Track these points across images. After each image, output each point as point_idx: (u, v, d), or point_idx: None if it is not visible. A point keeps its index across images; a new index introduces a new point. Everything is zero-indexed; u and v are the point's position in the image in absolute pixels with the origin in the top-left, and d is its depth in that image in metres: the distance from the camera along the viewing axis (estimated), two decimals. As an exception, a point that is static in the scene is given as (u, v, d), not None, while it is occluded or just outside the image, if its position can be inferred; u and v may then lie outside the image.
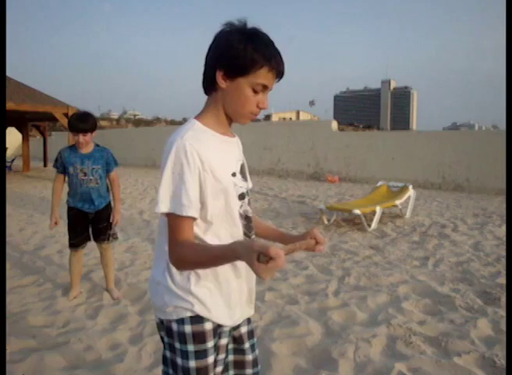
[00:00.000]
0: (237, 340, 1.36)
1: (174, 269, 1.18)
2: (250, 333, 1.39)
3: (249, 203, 1.29)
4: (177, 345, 1.20)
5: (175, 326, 1.19)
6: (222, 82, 1.15)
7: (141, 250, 4.96)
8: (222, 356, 1.29)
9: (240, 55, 1.11)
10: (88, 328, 2.94)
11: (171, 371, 1.25)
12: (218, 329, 1.25)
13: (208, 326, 1.20)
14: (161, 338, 1.28)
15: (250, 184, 1.33)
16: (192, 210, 1.10)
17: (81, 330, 2.89)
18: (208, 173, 1.13)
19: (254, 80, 1.13)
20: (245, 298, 1.32)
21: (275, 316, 3.10)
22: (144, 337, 2.79)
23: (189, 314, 1.18)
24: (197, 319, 1.19)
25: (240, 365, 1.36)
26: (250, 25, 1.16)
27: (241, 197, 1.25)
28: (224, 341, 1.29)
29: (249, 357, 1.36)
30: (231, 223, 1.22)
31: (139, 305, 3.34)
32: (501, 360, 2.43)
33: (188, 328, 1.18)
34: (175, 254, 1.11)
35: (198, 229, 1.17)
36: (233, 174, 1.22)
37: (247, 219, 1.28)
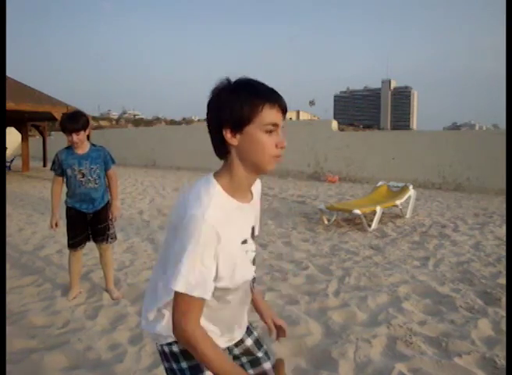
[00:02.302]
0: (247, 352, 1.38)
1: (165, 314, 1.23)
2: (257, 343, 1.41)
3: (254, 263, 1.28)
4: (174, 366, 1.25)
5: (166, 349, 1.25)
6: (232, 140, 1.11)
7: (141, 250, 4.95)
8: None
9: (238, 106, 1.08)
10: (88, 328, 2.93)
11: None
12: None
13: None
14: (166, 369, 1.31)
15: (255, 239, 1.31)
16: (207, 293, 1.08)
17: (81, 331, 2.89)
18: (223, 248, 1.09)
19: (261, 122, 1.09)
20: (236, 328, 1.33)
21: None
22: (144, 337, 2.78)
23: (171, 339, 1.23)
24: None
25: None
26: (241, 77, 1.14)
27: (253, 261, 1.25)
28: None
29: (268, 365, 1.39)
30: (242, 289, 1.25)
31: (139, 306, 3.33)
32: (502, 360, 2.42)
33: (176, 348, 1.23)
34: (183, 333, 1.09)
35: (212, 298, 1.15)
36: (244, 241, 1.17)
37: (253, 280, 1.34)
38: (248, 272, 1.21)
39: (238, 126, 1.09)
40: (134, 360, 2.50)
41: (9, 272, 4.07)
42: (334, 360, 2.47)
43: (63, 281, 3.81)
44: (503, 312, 3.09)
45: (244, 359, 1.37)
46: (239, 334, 1.35)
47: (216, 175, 1.17)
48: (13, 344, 2.64)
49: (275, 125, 1.12)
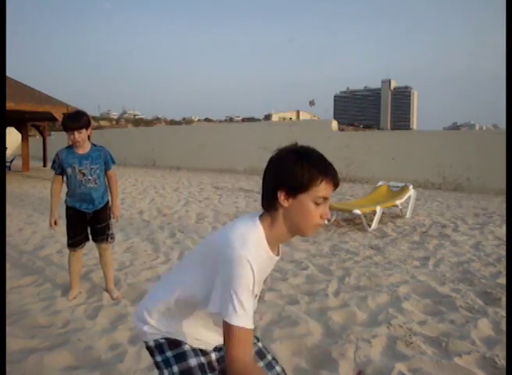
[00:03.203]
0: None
1: (154, 314, 1.33)
2: (260, 353, 1.43)
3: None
4: (158, 358, 1.31)
5: (152, 344, 1.34)
6: (284, 201, 1.21)
7: (141, 250, 4.95)
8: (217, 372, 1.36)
9: (299, 174, 1.18)
10: (88, 328, 2.93)
11: None
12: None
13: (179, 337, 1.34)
14: (154, 363, 1.37)
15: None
16: (252, 323, 1.17)
17: (81, 330, 2.89)
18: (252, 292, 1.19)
19: (315, 194, 1.19)
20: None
21: (275, 316, 3.09)
22: (144, 337, 2.78)
23: (159, 336, 1.34)
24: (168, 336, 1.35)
25: None
26: (307, 147, 1.24)
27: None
28: (213, 357, 1.37)
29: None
30: None
31: (139, 305, 3.33)
32: (502, 360, 2.42)
33: (163, 340, 1.33)
34: (244, 365, 1.13)
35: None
36: (256, 296, 1.26)
37: None
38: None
39: (293, 191, 1.20)
40: (134, 360, 2.50)
41: (9, 272, 4.07)
42: (334, 360, 2.47)
43: (63, 281, 3.81)
44: (503, 312, 3.09)
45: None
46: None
47: (262, 219, 1.25)
48: (13, 344, 2.64)
49: (326, 199, 1.23)
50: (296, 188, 1.19)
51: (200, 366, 1.28)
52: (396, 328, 2.87)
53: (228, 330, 1.12)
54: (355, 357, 2.52)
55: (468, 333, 2.79)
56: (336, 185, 1.24)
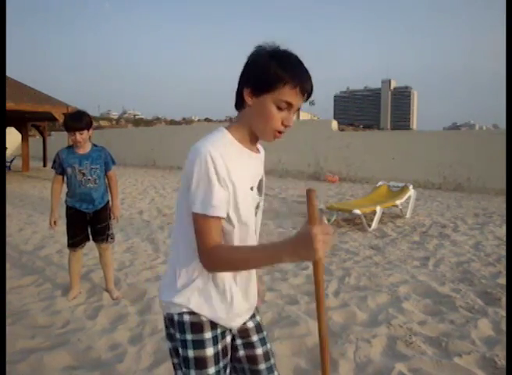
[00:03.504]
0: (242, 333, 1.37)
1: (181, 272, 1.26)
2: (258, 327, 1.40)
3: (257, 215, 1.35)
4: (178, 335, 1.27)
5: (176, 318, 1.27)
6: (248, 99, 1.19)
7: (141, 250, 4.95)
8: (229, 356, 1.33)
9: (265, 72, 1.15)
10: (88, 328, 2.93)
11: (176, 360, 1.33)
12: (216, 324, 1.28)
13: (205, 318, 1.27)
14: (168, 334, 1.34)
15: (262, 199, 1.36)
16: (221, 211, 1.15)
17: (81, 331, 2.89)
18: (230, 184, 1.16)
19: (279, 97, 1.15)
20: (246, 307, 1.34)
21: (275, 316, 3.09)
22: (144, 337, 2.78)
23: (185, 310, 1.25)
24: (195, 312, 1.26)
25: (252, 359, 1.36)
26: (284, 48, 1.19)
27: (256, 211, 1.31)
28: (228, 339, 1.33)
29: (259, 350, 1.37)
30: (245, 233, 1.26)
31: (139, 306, 3.33)
32: (502, 360, 2.42)
33: (187, 318, 1.25)
34: (208, 256, 1.15)
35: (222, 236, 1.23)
36: (251, 188, 1.25)
37: (255, 231, 1.35)
38: (251, 215, 1.26)
39: (257, 91, 1.17)
40: (134, 360, 2.50)
41: (9, 272, 4.07)
42: (334, 360, 2.47)
43: (63, 281, 3.81)
44: (503, 312, 3.09)
45: (239, 341, 1.37)
46: (248, 310, 1.36)
47: (227, 127, 1.25)
48: (13, 344, 2.64)
49: (290, 104, 1.17)
50: (260, 87, 1.16)
51: (216, 355, 1.26)
52: (396, 328, 2.87)
53: (194, 220, 1.15)
54: (355, 357, 2.52)
55: (468, 333, 2.79)
56: (304, 93, 1.17)
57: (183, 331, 1.25)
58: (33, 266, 4.36)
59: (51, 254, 4.78)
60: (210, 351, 1.25)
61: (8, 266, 4.24)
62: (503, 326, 2.87)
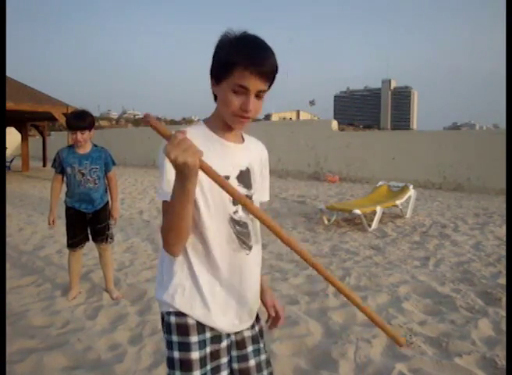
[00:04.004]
0: (239, 345, 1.33)
1: (166, 266, 1.27)
2: (255, 338, 1.36)
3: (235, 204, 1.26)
4: (165, 336, 1.28)
5: (165, 317, 1.28)
6: (213, 89, 1.21)
7: (141, 250, 4.94)
8: (224, 360, 1.29)
9: (219, 59, 1.15)
10: (87, 328, 2.93)
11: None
12: (205, 327, 1.25)
13: (191, 320, 1.24)
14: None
15: (253, 192, 1.30)
16: (168, 195, 1.15)
17: (80, 331, 2.88)
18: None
19: (232, 81, 1.12)
20: (234, 311, 1.29)
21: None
22: (144, 337, 2.78)
23: (171, 309, 1.25)
24: (181, 313, 1.25)
25: (244, 372, 1.32)
26: (244, 31, 1.16)
27: (235, 202, 1.23)
28: (224, 344, 1.29)
29: (252, 362, 1.33)
30: (220, 226, 1.23)
31: (138, 306, 3.33)
32: (502, 361, 2.41)
33: (173, 319, 1.25)
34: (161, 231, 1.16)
35: (192, 226, 1.19)
36: (226, 177, 1.18)
37: (243, 226, 1.27)
38: (224, 208, 1.22)
39: (217, 79, 1.17)
40: (134, 360, 2.50)
41: (9, 272, 4.06)
42: (334, 360, 2.47)
43: (63, 281, 3.81)
44: (504, 312, 3.09)
45: (234, 353, 1.33)
46: (242, 320, 1.31)
47: (205, 119, 1.28)
48: (13, 344, 2.64)
49: (245, 88, 1.13)
50: (217, 75, 1.16)
51: (202, 359, 1.24)
52: (397, 328, 2.87)
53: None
54: (355, 357, 2.51)
55: (468, 333, 2.79)
56: (259, 74, 1.11)
57: (170, 332, 1.25)
58: (32, 266, 4.36)
59: (50, 254, 4.78)
60: (195, 354, 1.23)
61: (8, 266, 4.24)
62: (504, 327, 2.86)
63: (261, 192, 1.38)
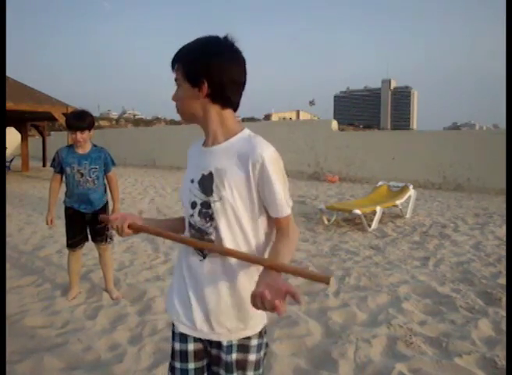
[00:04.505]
0: (227, 367, 1.24)
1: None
2: (229, 366, 1.24)
3: (209, 219, 1.21)
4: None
5: None
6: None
7: (141, 250, 4.94)
8: (191, 365, 1.30)
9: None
10: (87, 328, 2.93)
11: None
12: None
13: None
14: None
15: (218, 198, 1.19)
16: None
17: (80, 331, 2.88)
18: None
19: None
20: (190, 312, 1.27)
21: (275, 316, 3.07)
22: (144, 337, 2.78)
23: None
24: None
25: None
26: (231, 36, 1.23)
27: (192, 205, 1.26)
28: (190, 347, 1.29)
29: None
30: (186, 228, 1.33)
31: (138, 306, 3.32)
32: (502, 361, 2.41)
33: None
34: None
35: None
36: (191, 181, 1.27)
37: (198, 231, 1.24)
38: (188, 207, 1.28)
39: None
40: (134, 360, 2.50)
41: (9, 272, 4.06)
42: (334, 360, 2.47)
43: (63, 281, 3.81)
44: (504, 312, 3.09)
45: (215, 369, 1.30)
46: (200, 326, 1.25)
47: None
48: (13, 344, 2.64)
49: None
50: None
51: (183, 353, 1.29)
52: (397, 328, 2.86)
53: None
54: (355, 357, 2.51)
55: (468, 333, 2.78)
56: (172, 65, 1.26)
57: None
58: (32, 266, 4.35)
59: (50, 254, 4.77)
60: (176, 345, 1.31)
61: (7, 266, 4.23)
62: (504, 327, 2.86)
63: (271, 206, 1.23)
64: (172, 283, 1.37)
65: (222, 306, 1.24)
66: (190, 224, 1.26)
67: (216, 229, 1.21)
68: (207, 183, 1.21)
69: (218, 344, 1.27)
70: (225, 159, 1.20)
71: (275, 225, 1.27)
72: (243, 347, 1.27)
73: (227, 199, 1.18)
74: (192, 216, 1.25)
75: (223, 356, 1.25)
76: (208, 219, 1.22)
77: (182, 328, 1.29)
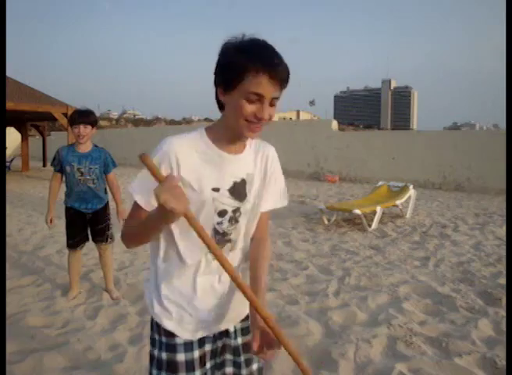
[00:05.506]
0: (235, 351, 1.32)
1: (158, 280, 1.27)
2: (236, 350, 1.33)
3: (234, 222, 1.23)
4: (152, 335, 1.30)
5: (153, 320, 1.30)
6: (222, 98, 1.13)
7: (141, 250, 4.94)
8: (211, 363, 1.29)
9: (227, 66, 1.08)
10: (87, 328, 2.93)
11: (152, 365, 1.30)
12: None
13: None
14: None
15: (248, 202, 1.23)
16: (148, 203, 1.14)
17: (80, 331, 2.88)
18: (183, 179, 1.13)
19: (246, 89, 1.05)
20: (214, 315, 1.28)
21: (275, 316, 3.09)
22: (144, 337, 2.77)
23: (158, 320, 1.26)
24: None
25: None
26: (251, 36, 1.10)
27: (221, 214, 1.21)
28: (208, 347, 1.29)
29: (243, 372, 1.31)
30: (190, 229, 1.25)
31: (138, 306, 3.32)
32: (502, 361, 2.41)
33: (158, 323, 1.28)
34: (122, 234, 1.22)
35: (174, 231, 1.20)
36: (215, 189, 1.17)
37: (223, 234, 1.24)
38: (207, 218, 1.19)
39: (227, 88, 1.09)
40: (134, 360, 2.50)
41: (9, 272, 4.06)
42: (334, 360, 2.46)
43: (63, 281, 3.81)
44: (504, 312, 3.09)
45: (229, 357, 1.32)
46: (213, 323, 1.28)
47: (207, 126, 1.23)
48: (13, 344, 2.64)
49: (259, 95, 1.06)
50: (227, 83, 1.08)
51: (189, 362, 1.23)
52: (397, 328, 2.86)
53: None
54: (355, 357, 2.51)
55: (469, 333, 2.79)
56: (274, 79, 1.05)
57: (159, 333, 1.27)
58: (32, 266, 4.35)
59: (50, 254, 4.77)
60: (181, 356, 1.23)
61: (7, 266, 4.23)
62: (504, 327, 2.86)
63: (273, 197, 1.32)
64: (166, 294, 1.25)
65: (235, 293, 1.28)
66: (216, 231, 1.22)
67: (236, 228, 1.25)
68: (241, 190, 1.22)
69: (226, 333, 1.32)
70: (252, 164, 1.25)
71: (262, 221, 1.33)
72: (246, 329, 1.35)
73: (255, 201, 1.26)
74: (220, 223, 1.22)
75: (231, 342, 1.32)
76: (233, 222, 1.24)
77: (186, 335, 1.25)
